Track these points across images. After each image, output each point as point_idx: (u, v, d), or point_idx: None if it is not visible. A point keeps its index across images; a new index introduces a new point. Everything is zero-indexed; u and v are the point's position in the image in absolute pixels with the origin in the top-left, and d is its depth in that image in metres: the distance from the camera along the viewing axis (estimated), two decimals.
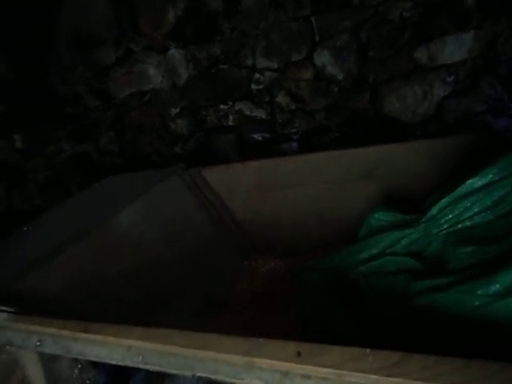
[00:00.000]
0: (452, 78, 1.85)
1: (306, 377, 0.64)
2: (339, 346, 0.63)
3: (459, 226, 0.93)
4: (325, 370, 0.62)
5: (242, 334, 0.72)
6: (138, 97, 2.38)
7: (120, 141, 2.56)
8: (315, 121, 2.12)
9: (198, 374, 0.74)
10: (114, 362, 0.83)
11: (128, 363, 0.81)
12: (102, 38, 2.26)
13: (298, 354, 0.64)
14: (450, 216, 0.95)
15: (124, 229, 1.36)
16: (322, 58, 1.97)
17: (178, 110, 2.35)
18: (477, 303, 0.74)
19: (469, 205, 0.93)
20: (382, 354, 0.60)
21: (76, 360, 1.23)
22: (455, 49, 1.80)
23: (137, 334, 0.78)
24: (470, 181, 0.97)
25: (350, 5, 1.85)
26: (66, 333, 0.87)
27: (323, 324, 1.02)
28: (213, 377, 0.72)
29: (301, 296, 1.20)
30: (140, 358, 0.79)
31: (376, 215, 1.17)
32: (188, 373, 0.74)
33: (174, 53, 2.18)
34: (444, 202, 0.98)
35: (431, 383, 0.55)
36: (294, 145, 2.20)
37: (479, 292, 0.75)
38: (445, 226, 0.96)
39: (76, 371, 1.24)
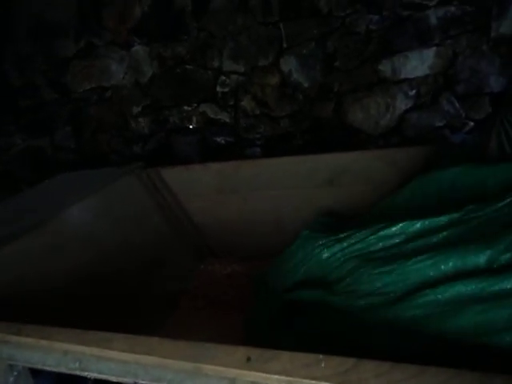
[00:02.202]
0: (414, 92, 1.89)
1: None
2: (291, 351, 0.60)
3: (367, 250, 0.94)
4: (275, 376, 0.58)
5: (190, 338, 0.67)
6: (98, 92, 2.28)
7: (77, 137, 2.45)
8: (279, 127, 2.10)
9: (141, 382, 0.68)
10: (48, 368, 0.76)
11: (63, 369, 0.74)
12: (63, 28, 2.17)
13: (248, 359, 0.60)
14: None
15: (73, 226, 1.28)
16: (289, 64, 1.97)
17: (139, 108, 2.27)
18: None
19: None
20: (335, 360, 0.57)
21: (11, 366, 1.13)
22: (417, 64, 1.84)
23: (74, 338, 0.71)
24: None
25: (319, 14, 1.86)
26: None
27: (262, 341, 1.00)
28: None
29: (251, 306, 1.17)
30: (77, 363, 0.72)
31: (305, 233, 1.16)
32: (129, 380, 0.68)
33: (139, 49, 2.12)
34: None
35: None
36: (258, 150, 2.17)
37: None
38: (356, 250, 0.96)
39: (11, 379, 1.14)
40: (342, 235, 1.01)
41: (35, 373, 1.16)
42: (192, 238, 1.64)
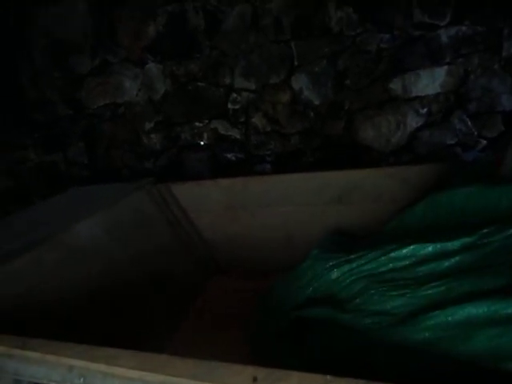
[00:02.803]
0: (425, 110, 1.88)
1: None
2: (299, 371, 0.58)
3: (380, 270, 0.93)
4: None
5: (196, 355, 0.66)
6: (111, 108, 2.32)
7: (90, 152, 2.49)
8: (290, 144, 2.11)
9: None
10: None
11: None
12: (79, 45, 2.22)
13: (254, 379, 0.59)
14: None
15: (83, 240, 1.28)
16: (300, 82, 1.98)
17: (152, 124, 2.30)
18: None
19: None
20: (343, 381, 0.55)
21: (16, 381, 1.12)
22: (429, 82, 1.84)
23: (79, 353, 0.71)
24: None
25: (330, 33, 1.88)
26: (0, 348, 0.78)
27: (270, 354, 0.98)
28: None
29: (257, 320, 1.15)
30: (82, 379, 0.71)
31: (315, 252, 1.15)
32: None
33: (152, 67, 2.16)
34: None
35: None
36: (268, 167, 2.18)
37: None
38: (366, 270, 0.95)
39: None
40: (352, 256, 1.00)
41: None
42: (201, 253, 1.63)
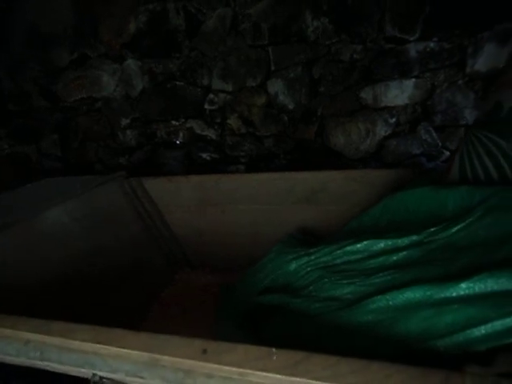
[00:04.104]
0: (394, 120, 1.97)
1: (209, 376, 0.62)
2: (246, 344, 0.62)
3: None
4: (228, 368, 0.60)
5: None
6: (88, 103, 2.33)
7: (64, 145, 2.48)
8: (264, 146, 2.16)
9: (98, 372, 0.69)
10: (8, 358, 0.77)
11: (23, 359, 0.75)
12: (59, 39, 2.22)
13: (204, 351, 0.62)
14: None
15: (50, 227, 1.29)
16: (276, 86, 2.04)
17: (128, 120, 2.32)
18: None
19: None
20: (286, 353, 0.59)
21: None
22: (398, 93, 1.92)
23: (36, 327, 0.73)
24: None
25: (306, 41, 1.94)
26: None
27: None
28: (113, 375, 0.68)
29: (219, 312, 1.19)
30: (38, 353, 0.73)
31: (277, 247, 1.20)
32: (87, 370, 0.70)
33: (131, 63, 2.18)
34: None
35: (330, 382, 0.55)
36: (242, 168, 2.22)
37: None
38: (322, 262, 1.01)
39: None
40: (311, 250, 1.05)
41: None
42: (170, 247, 1.66)
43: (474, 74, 1.81)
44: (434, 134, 1.94)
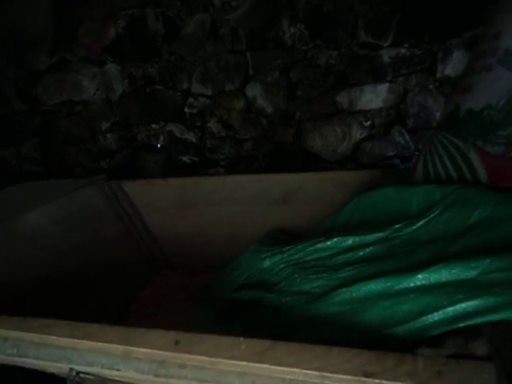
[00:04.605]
0: (368, 123, 2.03)
1: (182, 366, 0.66)
2: (216, 335, 0.66)
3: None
4: (199, 358, 0.64)
5: None
6: (68, 106, 2.33)
7: (43, 149, 2.47)
8: (243, 149, 2.20)
9: (75, 367, 0.72)
10: None
11: (2, 356, 0.77)
12: (38, 42, 2.22)
13: (176, 342, 0.65)
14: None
15: (29, 229, 1.30)
16: (254, 90, 2.08)
17: (108, 124, 2.33)
18: None
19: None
20: (253, 342, 0.63)
21: None
22: (372, 97, 1.98)
23: (14, 324, 0.75)
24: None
25: (283, 46, 1.99)
26: None
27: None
28: (89, 369, 0.71)
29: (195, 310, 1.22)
30: (15, 350, 0.75)
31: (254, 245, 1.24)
32: (64, 365, 0.72)
33: (111, 67, 2.19)
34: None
35: (294, 368, 0.59)
36: (221, 170, 2.25)
37: None
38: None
39: None
40: (284, 248, 1.09)
41: None
42: (150, 248, 1.68)
43: (444, 79, 1.89)
44: (407, 137, 2.01)
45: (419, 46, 1.86)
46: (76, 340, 0.70)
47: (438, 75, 1.89)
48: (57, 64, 2.25)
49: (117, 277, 1.48)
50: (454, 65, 1.85)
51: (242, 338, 0.63)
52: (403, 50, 1.88)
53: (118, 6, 2.07)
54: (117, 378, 0.72)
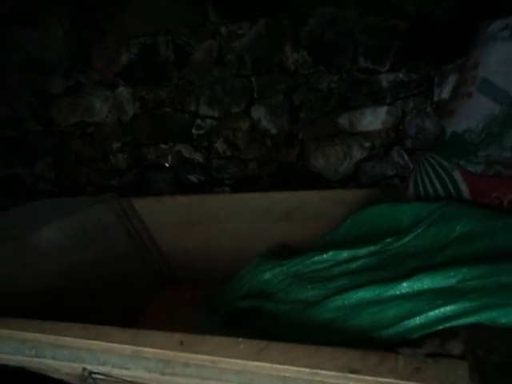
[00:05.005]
0: (368, 144, 2.11)
1: (186, 365, 0.72)
2: (217, 336, 0.72)
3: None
4: (202, 357, 0.70)
5: None
6: (81, 127, 2.44)
7: (57, 168, 2.58)
8: (248, 169, 2.29)
9: (88, 367, 0.78)
10: (6, 357, 0.85)
11: (20, 357, 0.83)
12: (54, 67, 2.35)
13: (181, 343, 0.72)
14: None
15: (45, 243, 1.38)
16: (259, 113, 2.18)
17: (119, 144, 2.43)
18: None
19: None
20: (251, 342, 0.69)
21: None
22: (372, 120, 2.07)
23: (32, 327, 0.82)
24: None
25: (286, 71, 2.10)
26: None
27: None
28: (101, 368, 0.77)
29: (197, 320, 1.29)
30: (33, 351, 0.82)
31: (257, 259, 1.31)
32: (78, 365, 0.79)
33: (123, 91, 2.31)
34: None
35: (288, 366, 0.65)
36: (227, 189, 2.34)
37: None
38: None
39: None
40: (284, 261, 1.16)
41: None
42: (158, 263, 1.75)
43: (441, 102, 1.97)
44: (406, 157, 2.09)
45: (416, 71, 1.96)
46: (89, 341, 0.76)
47: (435, 98, 1.98)
48: (71, 87, 2.37)
49: (126, 290, 1.54)
50: (450, 89, 1.93)
51: (241, 339, 0.70)
52: (401, 75, 1.97)
53: (130, 33, 2.20)
54: (126, 378, 0.78)
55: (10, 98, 2.48)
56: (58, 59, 2.34)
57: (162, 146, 2.36)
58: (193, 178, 2.38)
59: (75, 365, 0.80)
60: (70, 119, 2.43)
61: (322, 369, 0.63)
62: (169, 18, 2.14)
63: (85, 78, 2.34)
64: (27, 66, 2.37)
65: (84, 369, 0.79)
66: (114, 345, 0.75)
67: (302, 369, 0.65)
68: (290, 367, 0.65)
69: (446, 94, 1.95)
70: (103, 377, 0.80)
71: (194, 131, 2.30)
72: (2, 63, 2.41)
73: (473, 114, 0.89)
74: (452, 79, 1.92)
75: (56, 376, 0.99)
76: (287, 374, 0.66)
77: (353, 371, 0.62)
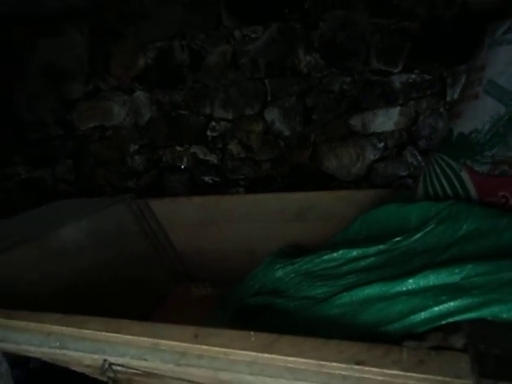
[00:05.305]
0: (381, 144, 2.12)
1: (200, 357, 0.76)
2: (230, 330, 0.76)
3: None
4: (215, 349, 0.74)
5: None
6: (99, 130, 2.52)
7: (77, 170, 2.66)
8: (261, 170, 2.32)
9: (108, 359, 0.83)
10: (32, 349, 0.90)
11: (46, 349, 0.88)
12: (74, 73, 2.44)
13: (196, 335, 0.76)
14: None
15: (65, 243, 1.44)
16: (272, 115, 2.21)
17: (136, 146, 2.50)
18: None
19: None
20: (262, 335, 0.73)
21: None
22: (385, 120, 2.08)
23: (57, 321, 0.87)
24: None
25: (299, 74, 2.13)
26: None
27: None
28: (120, 360, 0.81)
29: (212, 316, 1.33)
30: (57, 343, 0.87)
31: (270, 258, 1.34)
32: (99, 356, 0.83)
33: (140, 95, 2.38)
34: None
35: (296, 358, 0.68)
36: (241, 190, 2.38)
37: None
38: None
39: None
40: (295, 260, 1.19)
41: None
42: (173, 263, 1.80)
43: (454, 102, 1.97)
44: (419, 157, 2.09)
45: (429, 72, 1.96)
46: (110, 334, 0.81)
47: (448, 99, 1.98)
48: (90, 92, 2.45)
49: (142, 288, 1.59)
50: None
51: (252, 332, 0.73)
52: (413, 76, 1.98)
53: (147, 39, 2.26)
54: (144, 369, 0.83)
55: (33, 103, 2.58)
56: (78, 66, 2.42)
57: (178, 148, 2.42)
58: (207, 179, 2.43)
59: (96, 356, 0.84)
60: (89, 123, 2.51)
61: (329, 361, 0.66)
62: (184, 23, 2.20)
63: (103, 84, 2.41)
64: (49, 73, 2.45)
65: (105, 360, 0.84)
66: (132, 337, 0.79)
67: (310, 360, 0.68)
68: (299, 359, 0.68)
69: (459, 94, 1.95)
70: (122, 368, 0.84)
71: (208, 133, 2.35)
72: (25, 70, 2.50)
73: (479, 115, 0.91)
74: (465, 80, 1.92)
75: (78, 368, 1.04)
76: (295, 366, 0.69)
77: (358, 363, 0.65)
